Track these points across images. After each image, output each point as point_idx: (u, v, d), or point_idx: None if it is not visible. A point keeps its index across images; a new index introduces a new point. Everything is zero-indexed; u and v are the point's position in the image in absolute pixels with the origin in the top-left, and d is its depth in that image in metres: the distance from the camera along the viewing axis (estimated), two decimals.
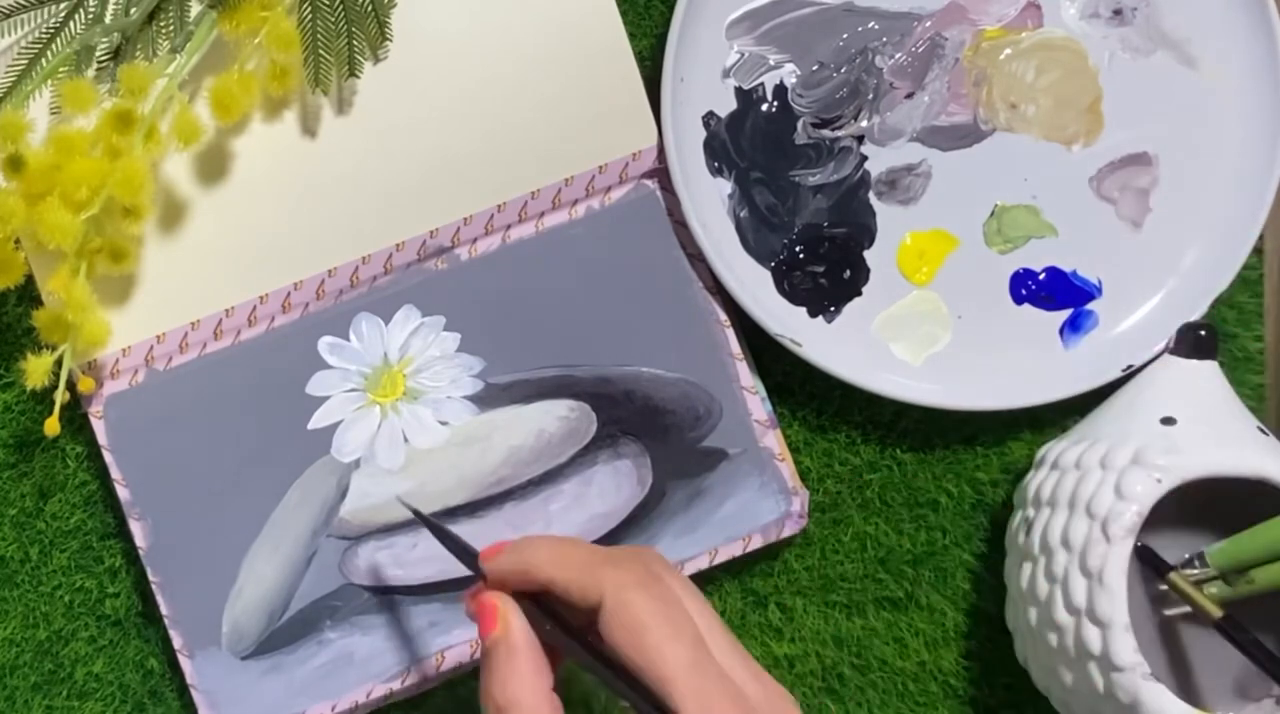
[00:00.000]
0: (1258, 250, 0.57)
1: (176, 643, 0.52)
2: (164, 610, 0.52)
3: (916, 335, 0.55)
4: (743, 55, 0.53)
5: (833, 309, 0.54)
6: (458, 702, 0.55)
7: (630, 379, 0.54)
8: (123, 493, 0.52)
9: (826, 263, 0.54)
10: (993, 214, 0.55)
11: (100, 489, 0.54)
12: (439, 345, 0.53)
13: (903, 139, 0.54)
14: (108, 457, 0.52)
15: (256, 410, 0.52)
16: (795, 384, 0.56)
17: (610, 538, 0.53)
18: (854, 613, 0.56)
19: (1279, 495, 0.48)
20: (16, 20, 0.50)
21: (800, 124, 0.54)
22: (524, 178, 0.53)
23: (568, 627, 0.43)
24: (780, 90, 0.53)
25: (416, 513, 0.48)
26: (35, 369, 0.48)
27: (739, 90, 0.53)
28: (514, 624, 0.43)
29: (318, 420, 0.53)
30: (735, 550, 0.54)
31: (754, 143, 0.54)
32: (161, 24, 0.50)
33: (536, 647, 0.43)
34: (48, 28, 0.50)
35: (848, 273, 0.54)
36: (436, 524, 0.47)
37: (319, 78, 0.51)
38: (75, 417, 0.53)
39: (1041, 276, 0.55)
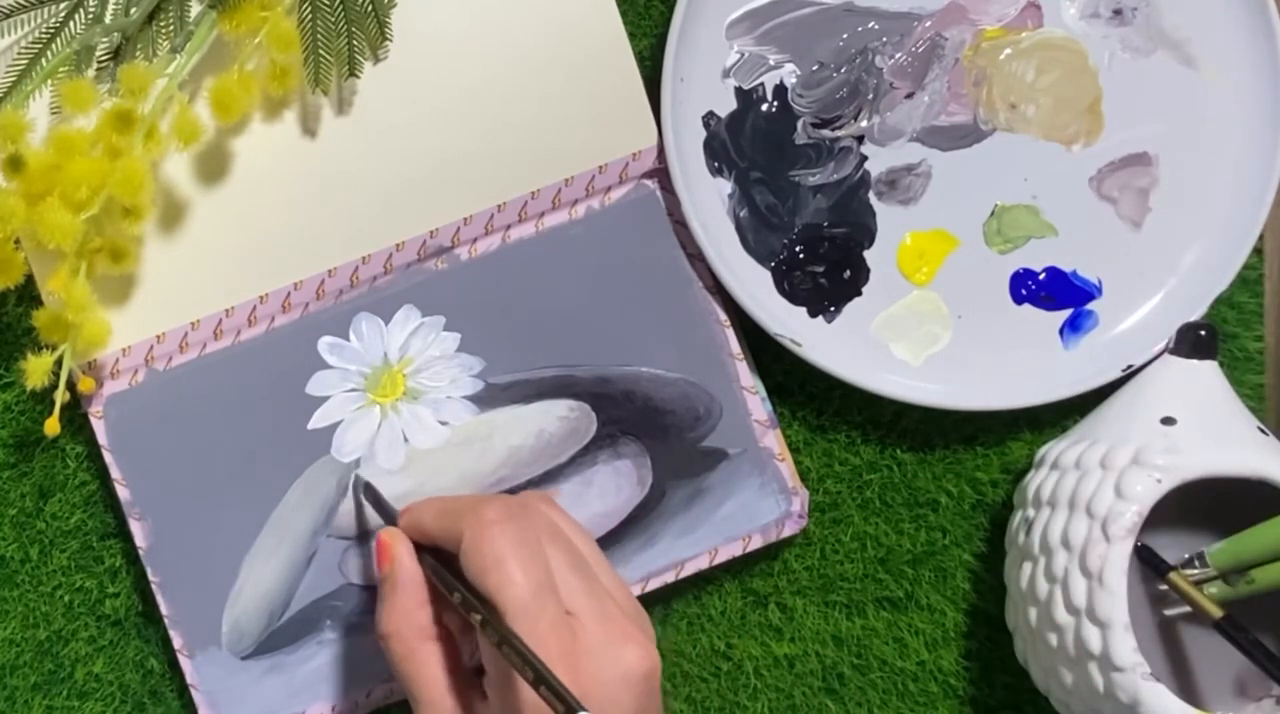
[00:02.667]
0: (1258, 250, 0.57)
1: (176, 643, 0.52)
2: (164, 610, 0.52)
3: (916, 335, 0.55)
4: (743, 55, 0.53)
5: (833, 309, 0.54)
6: None
7: (630, 379, 0.54)
8: (123, 493, 0.52)
9: (826, 263, 0.54)
10: (993, 214, 0.55)
11: (100, 489, 0.54)
12: (439, 345, 0.53)
13: (903, 139, 0.54)
14: (108, 457, 0.52)
15: (256, 410, 0.52)
16: (795, 384, 0.56)
17: (610, 538, 0.53)
18: (854, 613, 0.56)
19: (1279, 495, 0.48)
20: (16, 20, 0.50)
21: (800, 124, 0.54)
22: (524, 178, 0.53)
23: (443, 564, 0.46)
24: (780, 90, 0.53)
25: (357, 480, 0.52)
26: (35, 369, 0.48)
27: (739, 90, 0.53)
28: (402, 562, 0.46)
29: (318, 420, 0.53)
30: (735, 550, 0.54)
31: (754, 143, 0.54)
32: (161, 24, 0.50)
33: (420, 583, 0.46)
34: (48, 28, 0.50)
35: (848, 273, 0.54)
36: (369, 484, 0.52)
37: (319, 78, 0.51)
38: (75, 417, 0.53)
39: (1041, 276, 0.55)
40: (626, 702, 0.42)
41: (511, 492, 0.53)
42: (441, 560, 0.46)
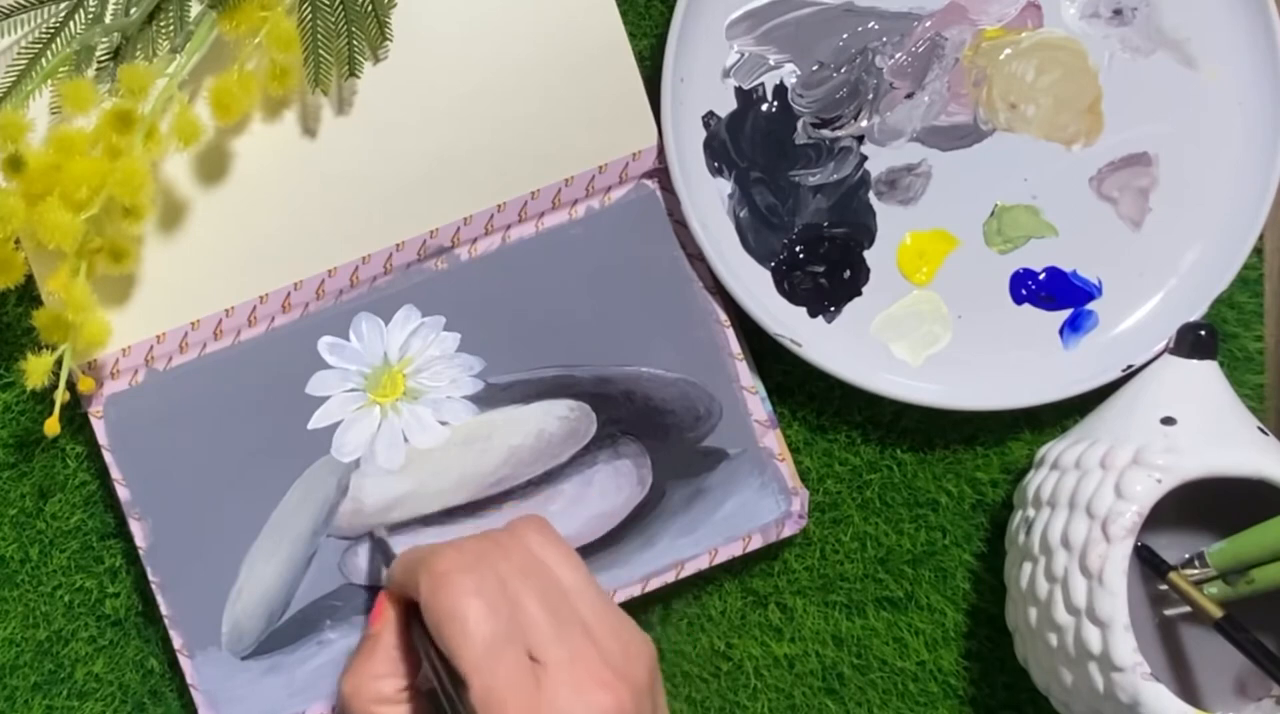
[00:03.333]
0: (1258, 250, 0.57)
1: (176, 643, 0.52)
2: (164, 610, 0.52)
3: (916, 335, 0.55)
4: (743, 55, 0.53)
5: (833, 309, 0.54)
6: None
7: (630, 379, 0.54)
8: (123, 493, 0.52)
9: (826, 263, 0.54)
10: (993, 214, 0.55)
11: (100, 489, 0.54)
12: (439, 345, 0.53)
13: (903, 139, 0.54)
14: (108, 457, 0.52)
15: (256, 410, 0.52)
16: (795, 384, 0.56)
17: (610, 538, 0.53)
18: (854, 613, 0.56)
19: (1279, 495, 0.48)
20: (16, 20, 0.50)
21: (800, 124, 0.54)
22: (524, 178, 0.53)
23: (424, 634, 0.44)
24: (780, 90, 0.53)
25: (374, 536, 0.52)
26: (35, 369, 0.48)
27: (739, 90, 0.53)
28: (387, 626, 0.46)
29: (318, 420, 0.53)
30: (735, 550, 0.54)
31: (754, 143, 0.54)
32: (161, 24, 0.50)
33: (393, 657, 0.46)
34: (48, 28, 0.50)
35: (848, 273, 0.54)
36: (379, 538, 0.52)
37: (319, 78, 0.51)
38: (75, 417, 0.53)
39: (1041, 276, 0.55)
40: None
41: (511, 491, 0.53)
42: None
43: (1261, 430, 0.51)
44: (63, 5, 0.50)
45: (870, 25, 0.53)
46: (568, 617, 0.43)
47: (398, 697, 0.45)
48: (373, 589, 0.53)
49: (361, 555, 0.53)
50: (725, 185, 0.54)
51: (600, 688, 0.41)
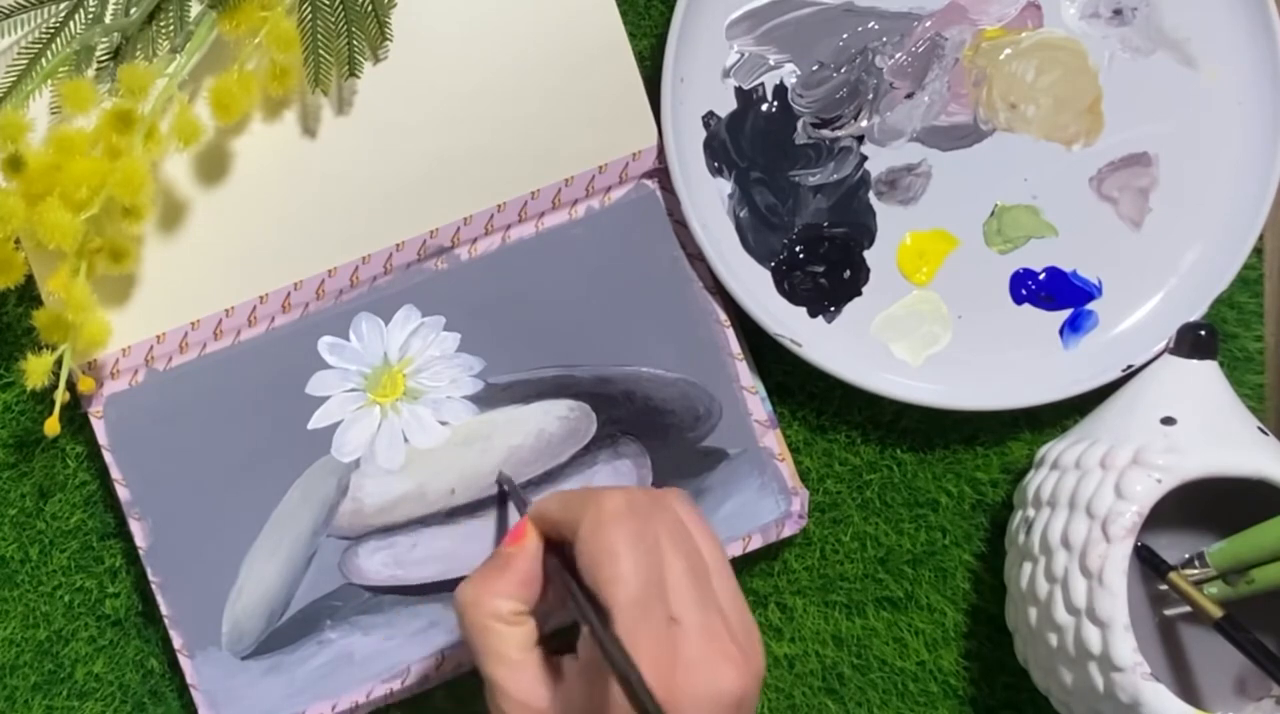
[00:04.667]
0: (1258, 250, 0.57)
1: (176, 643, 0.52)
2: (164, 610, 0.52)
3: (916, 335, 0.55)
4: (743, 55, 0.53)
5: (833, 309, 0.54)
6: (457, 702, 0.55)
7: (630, 379, 0.54)
8: (123, 493, 0.52)
9: (826, 263, 0.54)
10: (993, 214, 0.55)
11: (100, 489, 0.54)
12: (439, 345, 0.53)
13: (903, 139, 0.54)
14: (108, 457, 0.52)
15: (256, 410, 0.52)
16: (795, 384, 0.56)
17: None
18: (854, 613, 0.56)
19: (1279, 495, 0.48)
20: (16, 20, 0.50)
21: (800, 124, 0.54)
22: (524, 178, 0.53)
23: (564, 563, 0.45)
24: (780, 90, 0.53)
25: (503, 478, 0.53)
26: (35, 369, 0.48)
27: (739, 90, 0.53)
28: (526, 552, 0.45)
29: (318, 420, 0.53)
30: (735, 550, 0.54)
31: (754, 143, 0.54)
32: (161, 24, 0.50)
33: (528, 575, 0.45)
34: (48, 28, 0.50)
35: (848, 273, 0.54)
36: (505, 475, 0.53)
37: (319, 78, 0.51)
38: (75, 417, 0.53)
39: (1041, 276, 0.55)
40: None
41: (510, 492, 0.53)
42: (567, 563, 0.45)
43: (1261, 430, 0.51)
44: (63, 5, 0.50)
45: (870, 25, 0.53)
46: (708, 588, 0.43)
47: (513, 618, 0.44)
48: (372, 589, 0.53)
49: (362, 555, 0.53)
50: (725, 185, 0.54)
51: (728, 663, 0.41)
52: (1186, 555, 0.51)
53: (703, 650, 0.41)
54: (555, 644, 0.45)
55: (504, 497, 0.53)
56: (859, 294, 0.54)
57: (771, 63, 0.53)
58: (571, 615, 0.48)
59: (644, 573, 0.41)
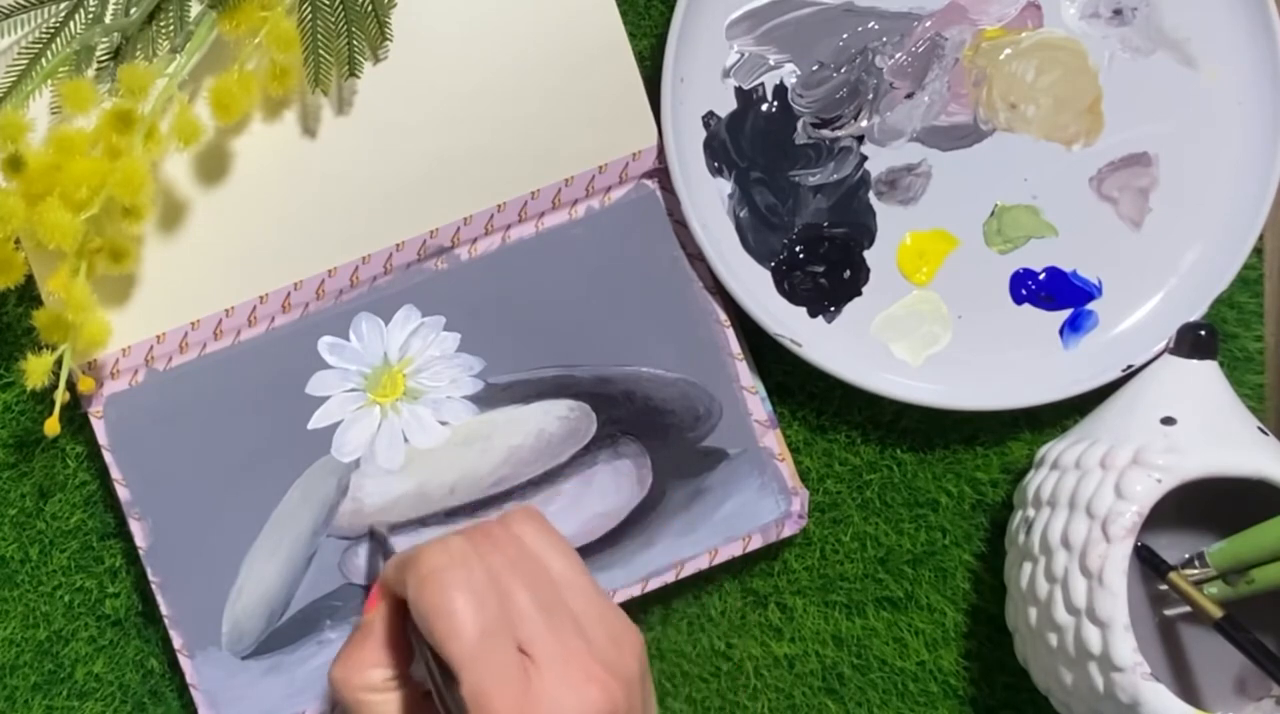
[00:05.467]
0: (1258, 250, 0.57)
1: (176, 643, 0.52)
2: (164, 610, 0.52)
3: (916, 335, 0.55)
4: (743, 55, 0.53)
5: (833, 309, 0.54)
6: None
7: (630, 379, 0.54)
8: (123, 493, 0.52)
9: (826, 263, 0.54)
10: (993, 214, 0.55)
11: (100, 489, 0.54)
12: (439, 345, 0.53)
13: (903, 139, 0.54)
14: (108, 457, 0.52)
15: (256, 410, 0.52)
16: (795, 384, 0.56)
17: (610, 538, 0.53)
18: (854, 613, 0.56)
19: (1279, 495, 0.48)
20: (16, 20, 0.50)
21: (800, 124, 0.54)
22: (524, 178, 0.53)
23: (416, 630, 0.44)
24: (780, 90, 0.53)
25: (375, 532, 0.52)
26: (35, 369, 0.48)
27: (739, 90, 0.53)
28: (379, 616, 0.45)
29: (318, 420, 0.53)
30: (735, 550, 0.54)
31: (754, 143, 0.54)
32: (161, 24, 0.50)
33: (388, 638, 0.45)
34: (48, 28, 0.50)
35: (848, 273, 0.54)
36: (376, 530, 0.52)
37: (319, 78, 0.51)
38: (75, 417, 0.53)
39: (1041, 276, 0.55)
40: None
41: (511, 492, 0.53)
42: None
43: (1261, 430, 0.51)
44: (63, 5, 0.50)
45: (870, 25, 0.53)
46: (558, 609, 0.43)
47: (386, 685, 0.45)
48: (370, 587, 0.53)
49: (361, 555, 0.53)
50: (725, 185, 0.54)
51: (590, 682, 0.41)
52: (1186, 555, 0.51)
53: (559, 677, 0.41)
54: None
55: (504, 497, 0.53)
56: (859, 294, 0.54)
57: (771, 63, 0.53)
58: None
59: (478, 619, 0.41)
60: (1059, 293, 0.55)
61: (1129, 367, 0.54)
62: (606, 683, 0.41)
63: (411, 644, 0.45)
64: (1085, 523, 0.48)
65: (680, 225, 0.53)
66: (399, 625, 0.45)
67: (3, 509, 0.54)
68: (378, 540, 0.52)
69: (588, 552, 0.53)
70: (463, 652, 0.40)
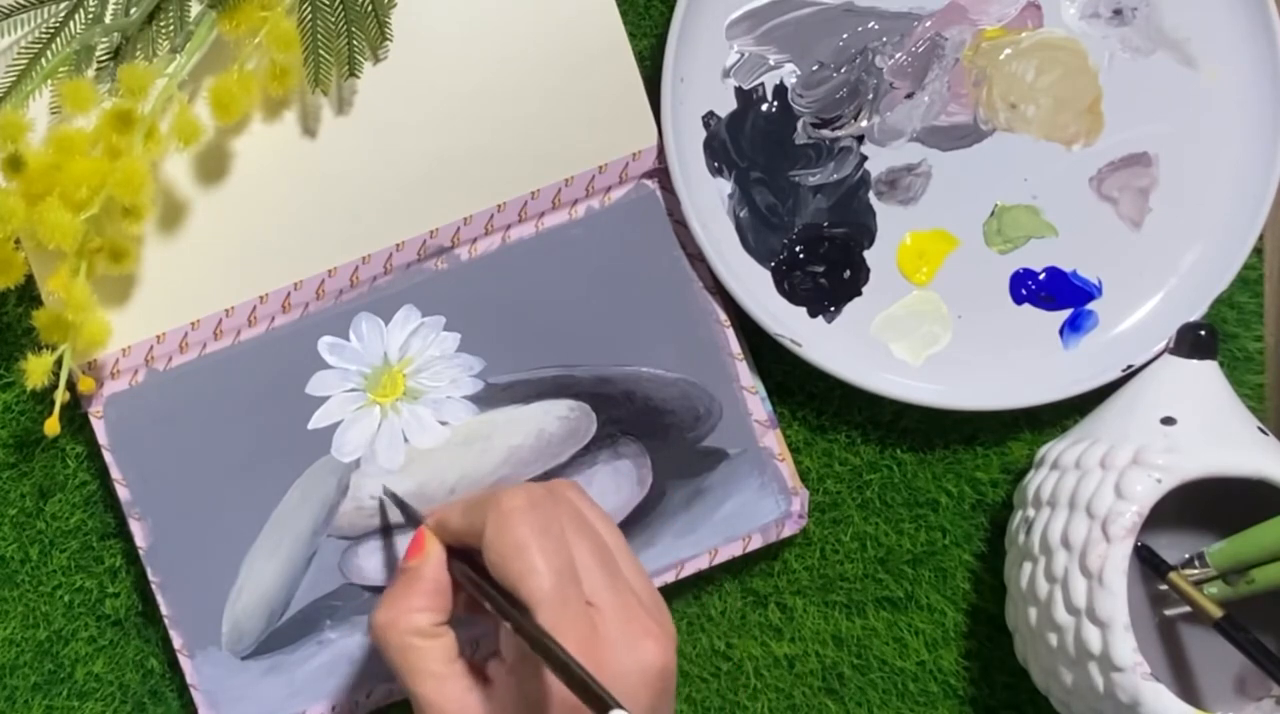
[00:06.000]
0: (1258, 250, 0.57)
1: (176, 643, 0.52)
2: (164, 610, 0.52)
3: (916, 335, 0.55)
4: (743, 55, 0.53)
5: (833, 309, 0.54)
6: None
7: (630, 379, 0.54)
8: (123, 493, 0.52)
9: (826, 263, 0.54)
10: (993, 214, 0.55)
11: (100, 489, 0.54)
12: (439, 345, 0.53)
13: (903, 139, 0.54)
14: (108, 457, 0.52)
15: (256, 410, 0.52)
16: (795, 384, 0.56)
17: None
18: (854, 613, 0.56)
19: (1279, 495, 0.48)
20: (16, 20, 0.50)
21: (800, 124, 0.54)
22: (524, 178, 0.53)
23: (472, 566, 0.45)
24: (780, 90, 0.53)
25: (388, 494, 0.52)
26: (35, 369, 0.48)
27: (739, 90, 0.53)
28: (432, 560, 0.46)
29: (318, 420, 0.53)
30: (735, 550, 0.54)
31: (754, 143, 0.54)
32: (161, 24, 0.50)
33: (438, 584, 0.46)
34: (48, 28, 0.50)
35: (848, 273, 0.54)
36: (394, 495, 0.52)
37: (319, 78, 0.51)
38: (75, 417, 0.53)
39: (1041, 276, 0.55)
40: (643, 697, 0.42)
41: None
42: (471, 567, 0.46)
43: (1261, 430, 0.51)
44: (63, 5, 0.50)
45: (870, 25, 0.53)
46: (614, 570, 0.44)
47: (433, 630, 0.45)
48: (372, 589, 0.53)
49: (361, 555, 0.53)
50: (725, 185, 0.54)
51: (647, 637, 0.43)
52: (1186, 555, 0.51)
53: (622, 629, 0.42)
54: (473, 653, 0.46)
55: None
56: (859, 294, 0.54)
57: (771, 63, 0.53)
58: (482, 628, 0.48)
59: (555, 562, 0.42)
60: (1059, 293, 0.55)
61: (1129, 367, 0.54)
62: (661, 639, 0.43)
63: (457, 592, 0.46)
64: (1085, 523, 0.48)
65: (680, 225, 0.53)
66: (444, 571, 0.46)
67: (3, 509, 0.54)
68: (394, 499, 0.52)
69: None
70: (540, 587, 0.42)
